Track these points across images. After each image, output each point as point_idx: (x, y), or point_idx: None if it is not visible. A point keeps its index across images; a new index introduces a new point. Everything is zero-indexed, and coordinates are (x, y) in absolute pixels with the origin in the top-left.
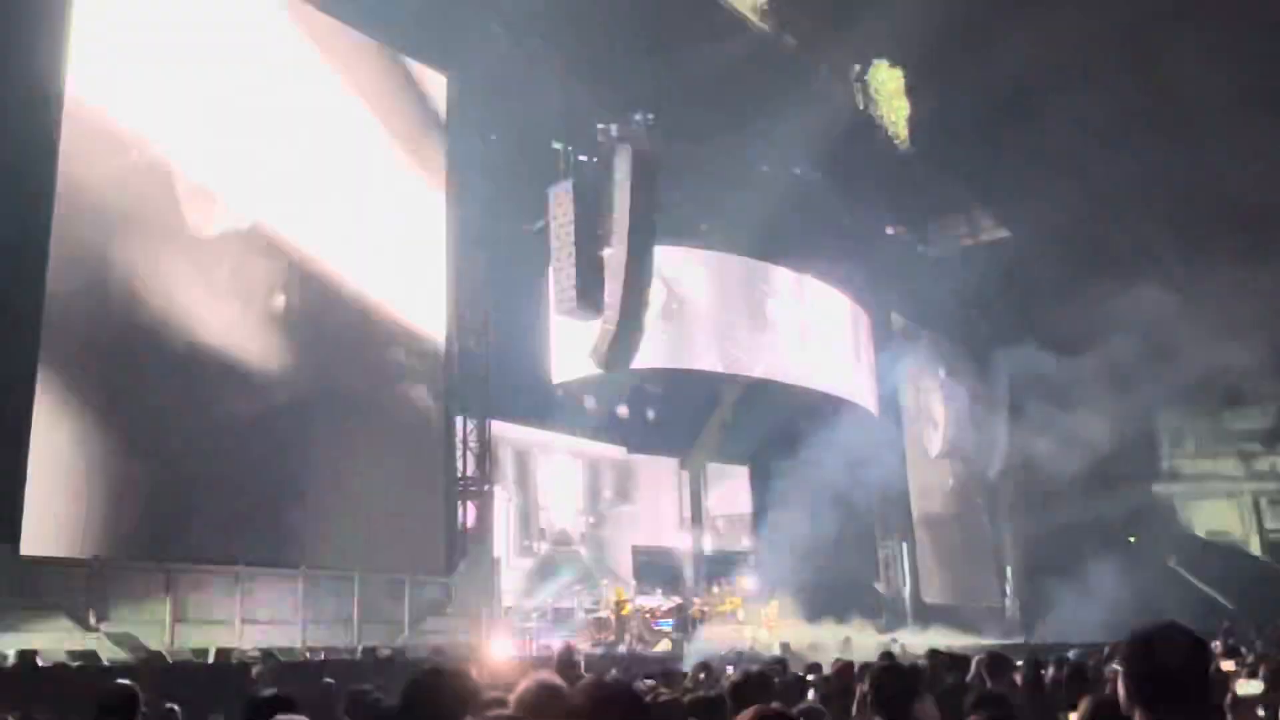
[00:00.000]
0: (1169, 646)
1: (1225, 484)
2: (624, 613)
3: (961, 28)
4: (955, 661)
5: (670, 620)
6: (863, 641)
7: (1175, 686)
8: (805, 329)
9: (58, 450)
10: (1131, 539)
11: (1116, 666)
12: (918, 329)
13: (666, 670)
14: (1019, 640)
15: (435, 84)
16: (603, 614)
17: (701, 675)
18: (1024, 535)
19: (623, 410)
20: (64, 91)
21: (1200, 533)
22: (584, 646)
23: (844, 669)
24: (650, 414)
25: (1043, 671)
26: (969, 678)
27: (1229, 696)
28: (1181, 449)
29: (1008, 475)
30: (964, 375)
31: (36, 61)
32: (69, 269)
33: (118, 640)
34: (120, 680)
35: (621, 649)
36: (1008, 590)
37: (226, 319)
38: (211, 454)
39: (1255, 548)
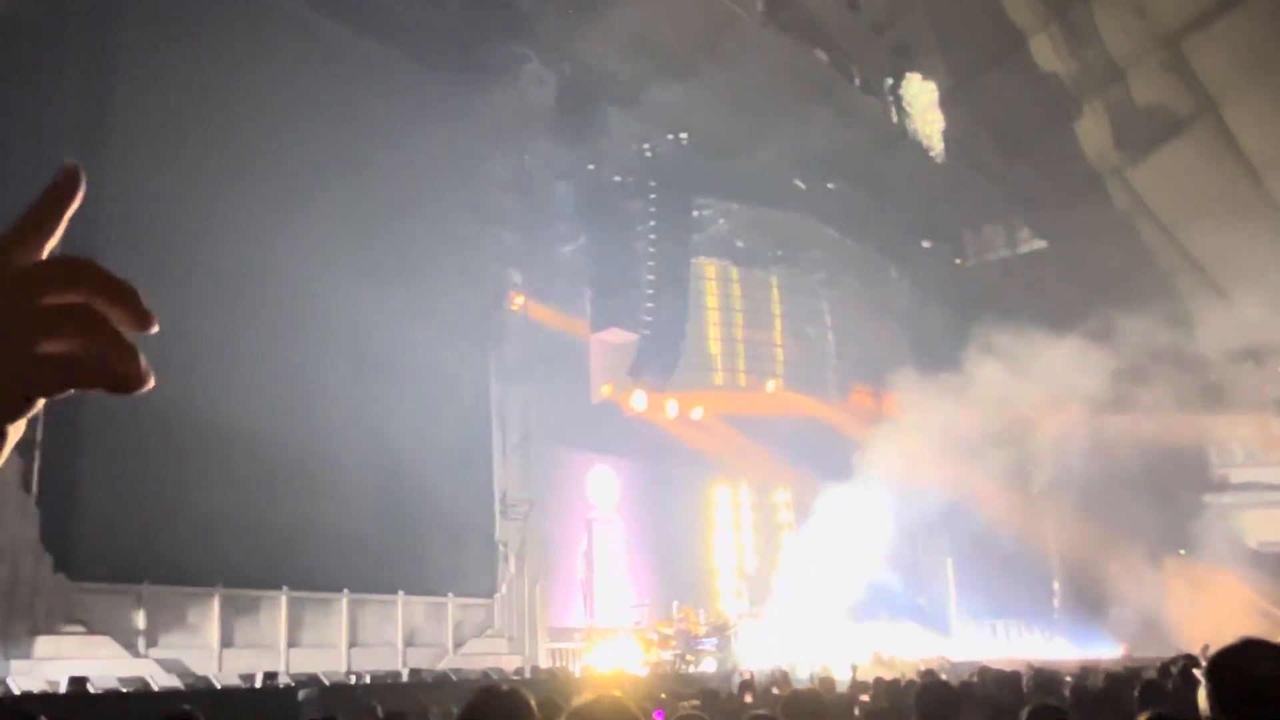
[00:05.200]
0: (1256, 659)
1: (1277, 493)
2: (665, 631)
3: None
4: (1004, 678)
5: (712, 639)
6: (907, 657)
7: (1263, 699)
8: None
9: (107, 480)
10: (1182, 551)
11: (1200, 677)
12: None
13: (706, 689)
14: (1067, 655)
15: (470, 108)
16: (649, 634)
17: (748, 698)
18: (1071, 548)
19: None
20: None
21: (1252, 543)
22: (629, 664)
23: (890, 686)
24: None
25: (1104, 687)
26: (1020, 694)
27: None
28: (1230, 458)
29: (1052, 488)
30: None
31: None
32: None
33: (167, 666)
34: (184, 707)
35: (669, 666)
36: (1055, 604)
37: (272, 345)
38: (256, 481)
39: None
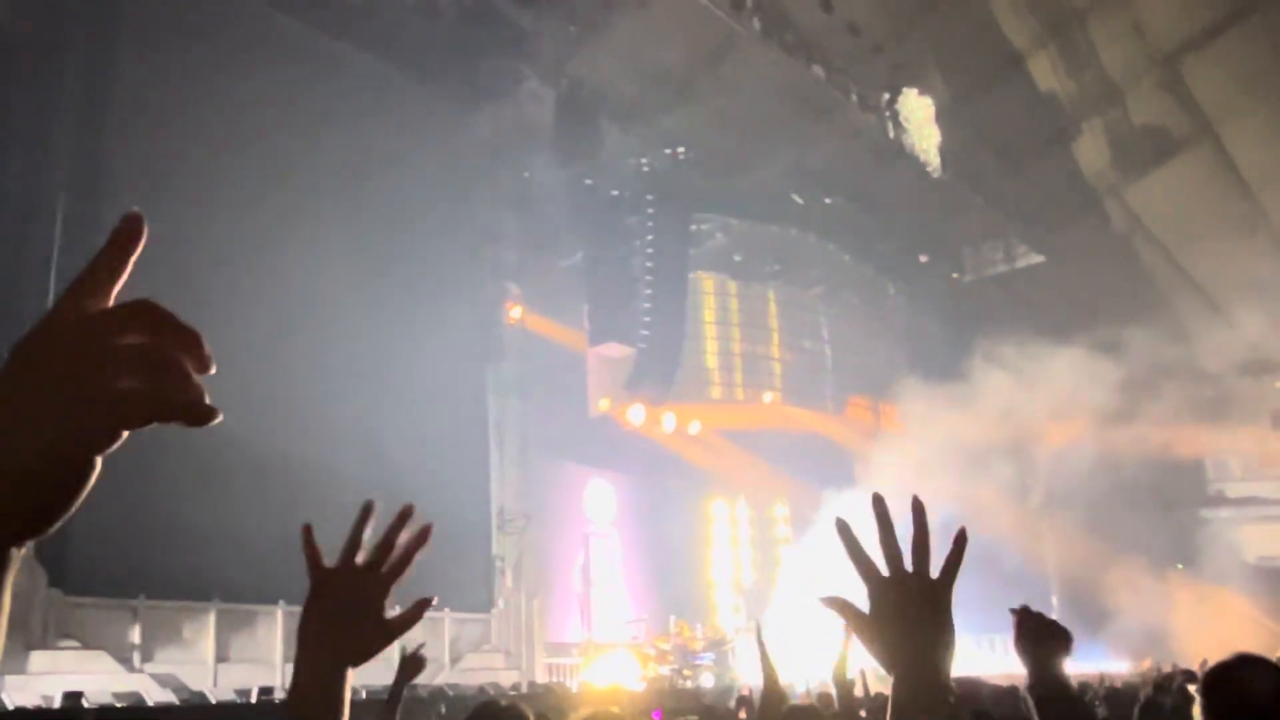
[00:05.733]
0: (1253, 677)
1: (1274, 508)
2: (662, 646)
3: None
4: (1000, 693)
5: (709, 654)
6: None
7: (1256, 716)
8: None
9: (103, 493)
10: (1180, 566)
11: (1195, 694)
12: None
13: (704, 705)
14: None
15: (468, 124)
16: (646, 649)
17: (742, 714)
18: (1069, 562)
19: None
20: None
21: (1250, 558)
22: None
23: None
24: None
25: (1095, 703)
26: (1017, 709)
27: None
28: (1227, 473)
29: (1050, 503)
30: None
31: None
32: None
33: (161, 681)
34: None
35: (667, 681)
36: (1054, 619)
37: (269, 358)
38: (253, 495)
39: None
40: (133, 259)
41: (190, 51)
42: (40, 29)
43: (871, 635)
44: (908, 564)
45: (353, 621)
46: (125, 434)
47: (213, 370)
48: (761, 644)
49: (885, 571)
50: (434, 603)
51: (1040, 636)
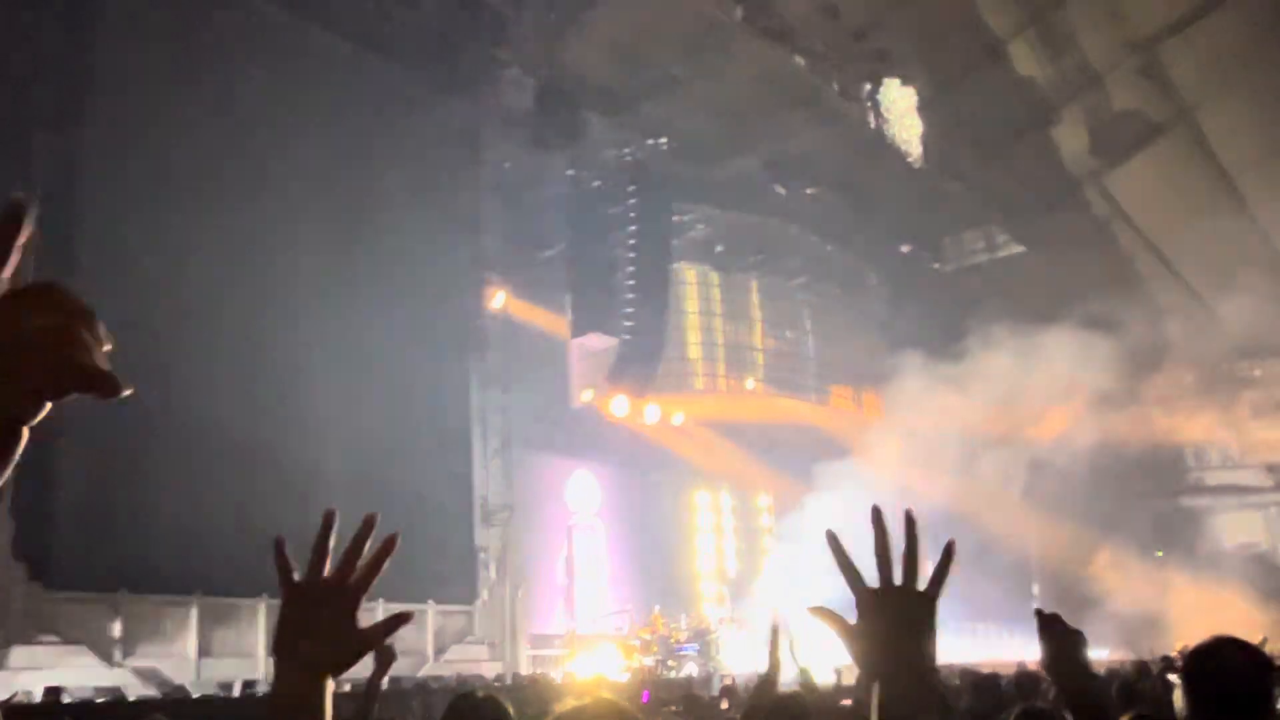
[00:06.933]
0: (1233, 660)
1: (1252, 495)
2: (646, 637)
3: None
4: (983, 680)
5: (693, 644)
6: None
7: (1239, 700)
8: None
9: (84, 487)
10: (1159, 553)
11: (1174, 679)
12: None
13: (689, 695)
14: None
15: (449, 113)
16: (630, 640)
17: (724, 703)
18: (1050, 551)
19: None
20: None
21: (1229, 545)
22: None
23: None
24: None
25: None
26: (999, 696)
27: None
28: (1206, 460)
29: (1031, 491)
30: None
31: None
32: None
33: (143, 675)
34: (156, 716)
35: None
36: (1034, 606)
37: (250, 351)
38: (233, 485)
39: None
40: (19, 245)
41: (168, 39)
42: (15, 19)
43: (858, 644)
44: (897, 576)
45: (326, 633)
46: (50, 405)
47: (109, 346)
48: (774, 638)
49: (875, 583)
50: (411, 619)
51: (1065, 636)
